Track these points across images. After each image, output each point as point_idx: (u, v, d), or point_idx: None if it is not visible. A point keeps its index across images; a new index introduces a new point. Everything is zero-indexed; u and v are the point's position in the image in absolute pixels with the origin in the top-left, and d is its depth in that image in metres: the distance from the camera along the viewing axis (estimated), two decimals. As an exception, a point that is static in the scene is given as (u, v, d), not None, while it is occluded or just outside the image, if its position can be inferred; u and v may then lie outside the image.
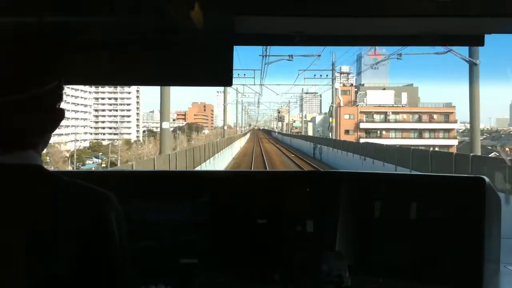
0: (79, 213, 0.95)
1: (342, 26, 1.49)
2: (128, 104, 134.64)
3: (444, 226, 1.82)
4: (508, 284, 1.91)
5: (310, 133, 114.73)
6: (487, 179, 1.78)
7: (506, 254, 1.94)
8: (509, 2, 1.33)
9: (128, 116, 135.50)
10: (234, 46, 1.41)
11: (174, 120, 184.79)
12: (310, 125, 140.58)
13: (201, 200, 1.95)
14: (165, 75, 1.39)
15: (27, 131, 0.99)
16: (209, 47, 1.36)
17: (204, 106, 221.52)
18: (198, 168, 22.41)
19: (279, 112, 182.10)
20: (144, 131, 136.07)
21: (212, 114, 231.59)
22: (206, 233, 1.94)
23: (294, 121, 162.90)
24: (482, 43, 1.57)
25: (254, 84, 53.13)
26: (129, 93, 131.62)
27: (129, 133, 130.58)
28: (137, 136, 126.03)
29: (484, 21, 1.41)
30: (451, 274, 1.78)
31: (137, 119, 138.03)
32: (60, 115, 1.04)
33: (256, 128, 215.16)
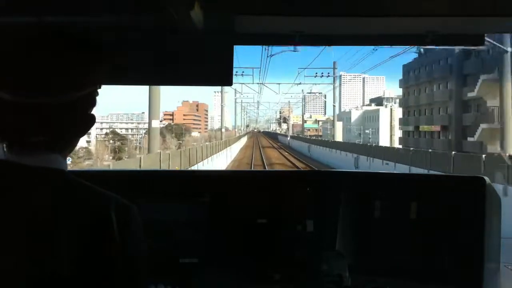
0: (102, 222, 0.94)
1: (342, 26, 1.49)
2: None
3: (444, 226, 1.82)
4: (508, 284, 1.91)
5: (338, 137, 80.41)
6: (487, 179, 1.78)
7: (506, 254, 1.94)
8: (509, 2, 1.33)
9: None
10: (234, 46, 1.41)
11: (161, 121, 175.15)
12: (338, 125, 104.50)
13: (201, 200, 1.95)
14: (165, 75, 1.39)
15: (58, 134, 0.98)
16: (209, 47, 1.36)
17: (197, 106, 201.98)
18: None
19: (281, 113, 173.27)
20: (107, 134, 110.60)
21: (206, 114, 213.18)
22: (206, 233, 1.94)
23: (306, 122, 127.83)
24: (482, 43, 1.58)
25: (253, 83, 48.28)
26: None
27: None
28: (88, 141, 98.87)
29: (484, 21, 1.42)
30: (451, 274, 1.79)
31: None
32: (91, 120, 1.03)
33: (256, 130, 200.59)
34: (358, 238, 1.95)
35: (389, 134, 60.36)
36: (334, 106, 50.92)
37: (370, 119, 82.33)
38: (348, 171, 2.21)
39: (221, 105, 50.93)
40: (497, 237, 1.87)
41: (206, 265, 1.91)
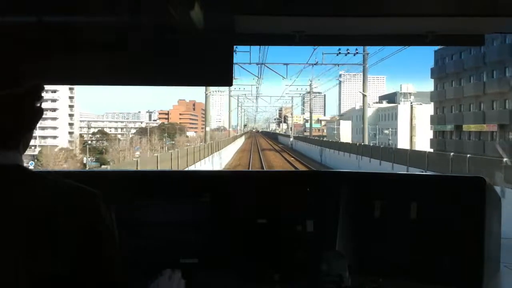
0: (65, 211, 0.95)
1: (342, 26, 1.49)
2: (54, 101, 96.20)
3: (444, 226, 1.82)
4: (508, 284, 1.91)
5: (345, 137, 71.42)
6: (487, 179, 1.79)
7: (506, 254, 1.94)
8: (509, 2, 1.33)
9: (54, 119, 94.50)
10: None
11: (155, 120, 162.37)
12: (346, 124, 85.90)
13: (201, 200, 1.95)
14: (165, 75, 1.39)
15: (6, 130, 0.99)
16: (209, 47, 1.36)
17: (194, 105, 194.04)
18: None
19: (281, 110, 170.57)
20: (94, 133, 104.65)
21: (204, 114, 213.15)
22: (206, 233, 1.94)
23: (307, 121, 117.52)
24: (482, 43, 1.58)
25: (251, 63, 32.13)
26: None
27: (55, 136, 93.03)
28: (70, 141, 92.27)
29: (484, 21, 1.42)
30: (451, 274, 1.79)
31: (71, 115, 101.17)
32: (39, 114, 1.04)
33: (254, 130, 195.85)
34: (358, 238, 1.95)
35: (409, 134, 44.96)
36: (364, 95, 33.17)
37: (386, 118, 70.13)
38: (348, 171, 2.21)
39: (205, 94, 34.93)
40: (497, 237, 1.87)
41: (206, 265, 1.90)
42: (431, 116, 52.21)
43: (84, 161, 66.70)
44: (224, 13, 1.32)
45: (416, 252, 1.85)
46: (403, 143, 48.87)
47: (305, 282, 1.91)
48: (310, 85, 58.12)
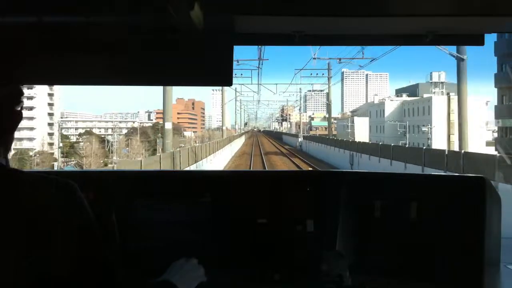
0: (45, 204, 0.97)
1: (342, 25, 1.49)
2: (30, 99, 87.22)
3: (444, 226, 1.82)
4: (508, 284, 1.91)
5: (361, 136, 61.67)
6: (487, 179, 1.78)
7: (506, 253, 1.94)
8: (509, 2, 1.33)
9: (31, 119, 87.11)
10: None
11: (151, 120, 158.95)
12: (362, 121, 74.63)
13: (201, 200, 1.95)
14: (165, 75, 1.39)
15: None
16: (209, 47, 1.36)
17: (193, 104, 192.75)
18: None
19: (283, 110, 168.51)
20: (80, 134, 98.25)
21: (203, 113, 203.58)
22: (206, 233, 1.94)
23: (313, 119, 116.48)
24: (482, 43, 1.58)
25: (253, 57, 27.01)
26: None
27: (32, 138, 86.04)
28: (50, 144, 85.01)
29: (484, 21, 1.42)
30: (451, 274, 1.78)
31: (50, 114, 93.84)
32: (18, 117, 1.07)
33: (255, 129, 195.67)
34: (358, 238, 1.95)
35: (446, 133, 31.84)
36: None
37: (414, 112, 56.35)
38: (348, 171, 2.21)
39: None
40: (497, 237, 1.87)
41: (206, 265, 1.91)
42: (496, 107, 39.52)
43: (55, 168, 59.71)
44: (224, 13, 1.32)
45: (416, 252, 1.85)
46: (439, 143, 39.21)
47: (305, 282, 1.91)
48: (328, 65, 45.20)
